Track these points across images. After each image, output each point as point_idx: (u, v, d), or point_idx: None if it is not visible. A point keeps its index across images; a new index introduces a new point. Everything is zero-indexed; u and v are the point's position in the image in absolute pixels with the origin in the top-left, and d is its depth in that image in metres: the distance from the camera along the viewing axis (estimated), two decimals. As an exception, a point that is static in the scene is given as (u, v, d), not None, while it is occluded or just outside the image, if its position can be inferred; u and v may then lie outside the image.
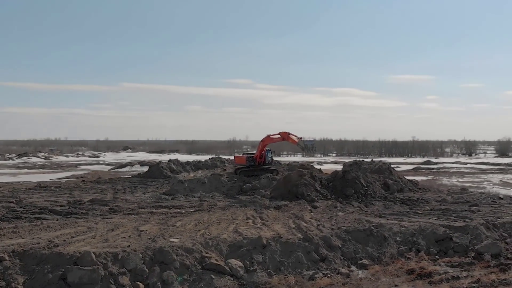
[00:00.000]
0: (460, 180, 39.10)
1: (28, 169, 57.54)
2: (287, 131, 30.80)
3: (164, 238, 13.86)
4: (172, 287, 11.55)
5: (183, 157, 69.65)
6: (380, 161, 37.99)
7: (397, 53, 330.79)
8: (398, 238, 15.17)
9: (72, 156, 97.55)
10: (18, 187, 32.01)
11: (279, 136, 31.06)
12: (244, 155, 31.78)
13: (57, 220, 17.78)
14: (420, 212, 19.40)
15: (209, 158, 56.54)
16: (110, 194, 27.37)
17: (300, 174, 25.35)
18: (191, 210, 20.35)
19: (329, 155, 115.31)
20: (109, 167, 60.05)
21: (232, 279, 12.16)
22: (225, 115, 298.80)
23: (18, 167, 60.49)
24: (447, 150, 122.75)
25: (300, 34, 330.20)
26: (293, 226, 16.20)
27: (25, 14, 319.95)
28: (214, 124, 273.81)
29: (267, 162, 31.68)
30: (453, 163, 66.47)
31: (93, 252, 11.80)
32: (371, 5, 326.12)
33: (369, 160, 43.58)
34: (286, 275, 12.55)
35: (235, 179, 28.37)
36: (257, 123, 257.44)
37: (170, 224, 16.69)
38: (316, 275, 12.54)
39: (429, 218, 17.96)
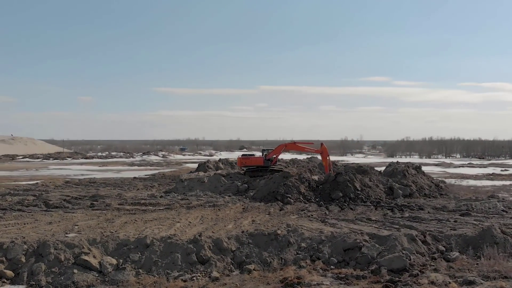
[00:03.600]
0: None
1: (138, 166, 62.57)
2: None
3: (66, 233, 14.62)
4: (37, 277, 12.18)
5: (292, 157, 70.15)
6: (408, 163, 34.63)
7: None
8: (303, 244, 13.96)
9: (189, 155, 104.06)
10: (67, 182, 35.60)
11: (318, 150, 29.61)
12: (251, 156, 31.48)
13: (29, 212, 19.62)
14: (373, 219, 17.57)
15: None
16: (127, 191, 29.16)
17: (285, 175, 24.47)
18: (159, 209, 20.91)
19: (453, 156, 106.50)
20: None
21: (97, 275, 12.37)
22: (359, 115, 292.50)
23: (132, 164, 65.99)
24: None
25: (442, 26, 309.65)
26: (218, 228, 15.82)
27: (173, 27, 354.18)
28: (347, 124, 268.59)
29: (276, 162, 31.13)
30: None
31: (-20, 241, 12.98)
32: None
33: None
34: (153, 275, 12.44)
35: (235, 180, 28.29)
36: (396, 122, 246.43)
37: (111, 221, 17.41)
38: (181, 277, 12.21)
39: (370, 225, 16.22)
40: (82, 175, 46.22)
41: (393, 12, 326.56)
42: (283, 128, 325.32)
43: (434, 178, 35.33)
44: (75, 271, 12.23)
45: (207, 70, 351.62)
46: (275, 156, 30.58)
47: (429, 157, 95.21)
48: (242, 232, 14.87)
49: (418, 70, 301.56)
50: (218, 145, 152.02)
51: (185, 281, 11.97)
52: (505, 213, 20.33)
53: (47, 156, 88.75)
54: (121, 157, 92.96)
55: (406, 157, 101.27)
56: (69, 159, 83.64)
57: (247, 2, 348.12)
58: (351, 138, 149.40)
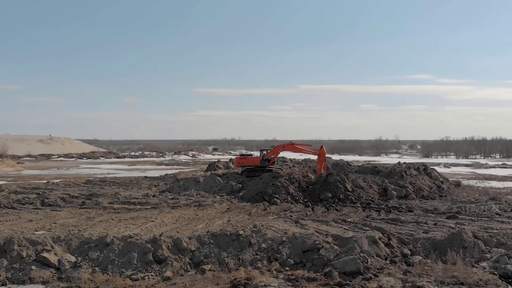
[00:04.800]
0: None
1: (165, 165, 63.04)
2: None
3: (36, 231, 15.00)
4: (-3, 273, 12.60)
5: (306, 157, 69.41)
6: (413, 163, 33.67)
7: None
8: (264, 245, 13.79)
9: (218, 155, 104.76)
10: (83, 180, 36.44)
11: (317, 152, 29.13)
12: (248, 156, 31.42)
13: (20, 209, 20.25)
14: (348, 220, 17.20)
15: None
16: (127, 190, 29.64)
17: (275, 176, 24.27)
18: (145, 208, 21.14)
19: (492, 156, 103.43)
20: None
21: (54, 272, 12.62)
22: (402, 114, 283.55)
23: (161, 164, 66.57)
24: None
25: (489, 23, 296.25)
26: (186, 228, 15.87)
27: (212, 29, 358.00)
28: (389, 123, 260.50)
29: (274, 163, 30.94)
30: None
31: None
32: None
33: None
34: (108, 273, 12.57)
35: (231, 179, 28.29)
36: (440, 121, 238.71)
37: (91, 219, 17.73)
38: (133, 276, 12.32)
39: (341, 227, 15.89)
40: (108, 174, 47.15)
41: (437, 9, 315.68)
42: (322, 128, 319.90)
43: (449, 179, 34.36)
44: (33, 267, 12.51)
45: (246, 70, 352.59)
46: (273, 156, 30.42)
47: (467, 157, 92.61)
48: (207, 232, 14.87)
49: (464, 67, 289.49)
50: (250, 145, 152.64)
51: (136, 280, 12.04)
52: (497, 216, 19.51)
53: (81, 156, 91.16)
54: (152, 156, 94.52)
55: (442, 157, 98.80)
56: (102, 158, 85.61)
57: (285, 1, 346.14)
58: (385, 138, 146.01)
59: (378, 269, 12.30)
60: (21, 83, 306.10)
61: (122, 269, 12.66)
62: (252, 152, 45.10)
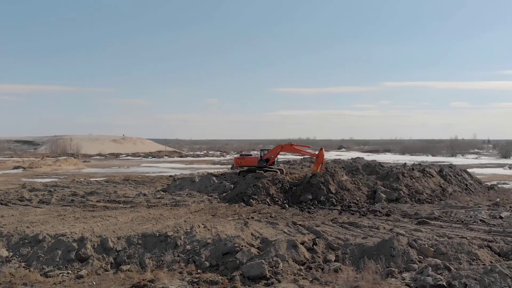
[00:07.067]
0: None
1: (220, 164, 63.21)
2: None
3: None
4: None
5: (394, 158, 66.65)
6: (447, 164, 31.34)
7: None
8: (188, 247, 13.54)
9: (281, 154, 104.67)
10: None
11: (315, 153, 28.22)
12: (248, 156, 31.06)
13: (7, 206, 21.62)
14: (298, 223, 16.46)
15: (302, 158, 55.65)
16: (130, 189, 30.48)
17: (257, 176, 23.81)
18: (123, 207, 21.64)
19: None
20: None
21: (-15, 265, 13.33)
22: (496, 111, 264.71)
23: (217, 163, 67.00)
24: None
25: None
26: (129, 228, 16.00)
27: (292, 29, 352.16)
28: (482, 121, 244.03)
29: (274, 163, 30.34)
30: None
31: None
32: None
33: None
34: (29, 269, 12.97)
35: (227, 179, 28.15)
36: None
37: (62, 217, 18.45)
38: (49, 273, 12.62)
39: (282, 230, 15.26)
40: (160, 172, 48.37)
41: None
42: (408, 127, 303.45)
43: (484, 182, 31.76)
44: (-37, 262, 13.26)
45: (326, 68, 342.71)
46: (272, 156, 29.90)
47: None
48: (143, 232, 14.93)
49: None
50: (321, 145, 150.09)
51: (50, 276, 12.33)
52: (480, 222, 17.84)
53: (147, 155, 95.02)
54: (213, 155, 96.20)
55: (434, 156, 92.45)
56: (165, 157, 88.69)
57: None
58: (463, 137, 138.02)
59: (288, 274, 11.72)
60: (112, 86, 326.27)
61: (44, 266, 13.02)
62: (252, 152, 44.66)
